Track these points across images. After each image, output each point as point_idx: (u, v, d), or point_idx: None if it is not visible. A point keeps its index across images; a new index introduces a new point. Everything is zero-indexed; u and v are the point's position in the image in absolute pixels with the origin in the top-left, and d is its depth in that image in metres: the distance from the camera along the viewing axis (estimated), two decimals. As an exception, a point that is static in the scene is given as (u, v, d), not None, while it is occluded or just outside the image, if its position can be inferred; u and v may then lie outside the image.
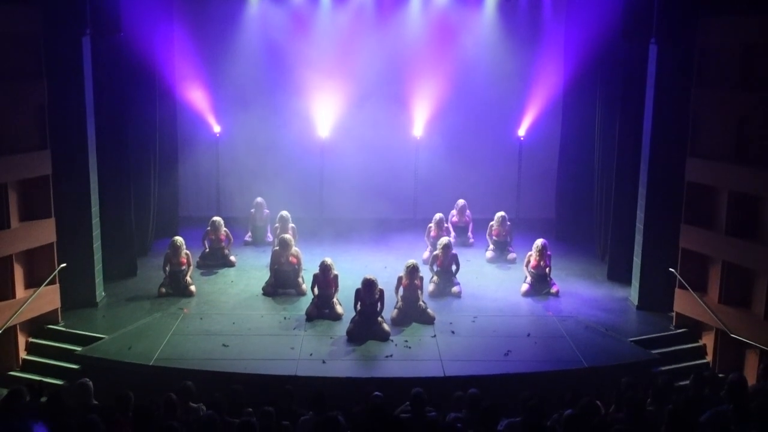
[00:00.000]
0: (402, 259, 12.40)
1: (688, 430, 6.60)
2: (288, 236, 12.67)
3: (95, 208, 11.81)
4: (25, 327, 10.96)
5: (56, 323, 11.24)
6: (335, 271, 11.67)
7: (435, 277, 12.54)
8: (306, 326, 11.22)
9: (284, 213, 14.04)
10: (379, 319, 10.93)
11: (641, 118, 12.00)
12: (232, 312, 11.73)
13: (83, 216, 11.59)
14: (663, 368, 10.41)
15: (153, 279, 12.81)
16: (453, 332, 11.07)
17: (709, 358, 11.01)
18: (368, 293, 10.90)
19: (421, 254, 13.93)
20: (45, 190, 11.10)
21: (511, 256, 14.11)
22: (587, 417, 6.90)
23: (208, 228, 13.79)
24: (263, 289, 12.44)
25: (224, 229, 13.78)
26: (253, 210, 15.08)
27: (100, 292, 12.01)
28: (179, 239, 12.64)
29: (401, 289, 11.53)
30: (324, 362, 10.11)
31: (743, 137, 10.79)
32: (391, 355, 10.38)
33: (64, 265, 11.29)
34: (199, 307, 11.91)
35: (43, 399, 7.79)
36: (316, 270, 11.70)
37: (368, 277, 10.99)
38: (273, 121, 15.91)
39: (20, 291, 10.90)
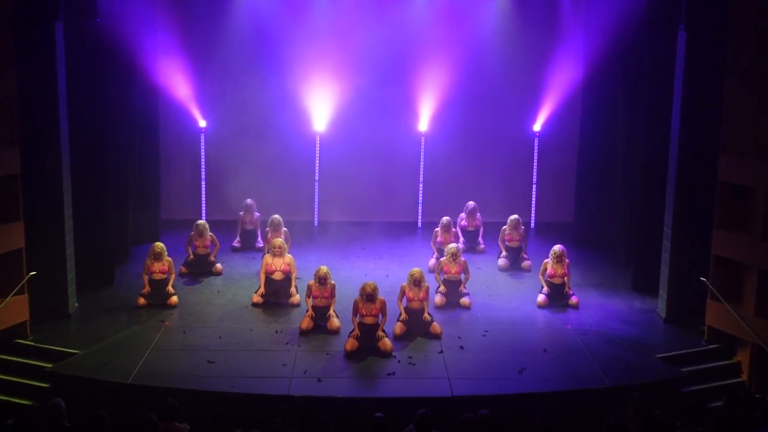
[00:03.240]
0: (405, 267, 12.38)
1: (721, 455, 6.55)
2: (280, 241, 12.66)
3: (68, 211, 11.79)
4: (-10, 341, 10.95)
5: (25, 337, 11.21)
6: (332, 281, 11.65)
7: (442, 287, 12.52)
8: (300, 341, 11.20)
9: (276, 216, 14.03)
10: (380, 333, 10.91)
11: (669, 111, 11.97)
12: (219, 325, 11.71)
13: (55, 219, 11.56)
14: (693, 388, 10.37)
15: (131, 288, 12.80)
16: (462, 347, 11.05)
17: (744, 377, 10.96)
18: (368, 304, 10.88)
19: (426, 261, 13.91)
20: (13, 191, 11.06)
21: (526, 263, 14.09)
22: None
23: (193, 232, 13.78)
24: (253, 299, 12.43)
25: (210, 233, 13.76)
26: (242, 213, 15.06)
27: (73, 303, 11.99)
28: (160, 245, 12.64)
29: (405, 300, 11.51)
30: (320, 380, 10.10)
31: (783, 132, 10.77)
32: (394, 373, 10.36)
33: (34, 273, 11.26)
34: (182, 320, 11.90)
35: (10, 421, 7.76)
36: (311, 279, 11.69)
37: (368, 285, 10.97)
38: (264, 114, 15.91)
39: (-15, 301, 10.89)
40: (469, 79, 15.69)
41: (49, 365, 10.54)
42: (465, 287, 12.59)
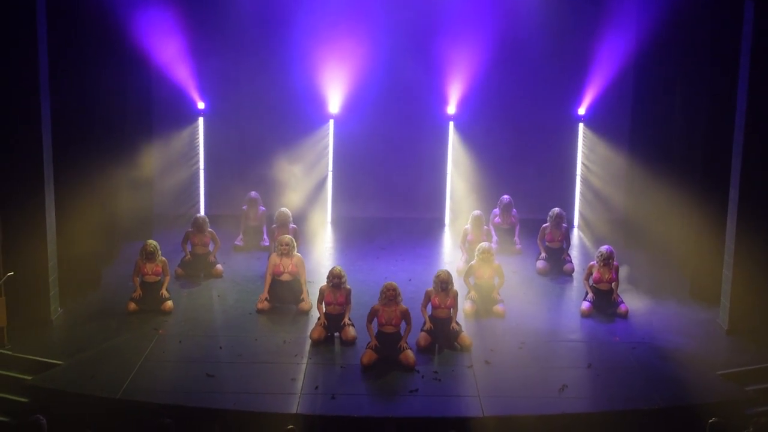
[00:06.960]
0: (431, 270, 12.41)
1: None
2: (288, 238, 12.72)
3: (50, 204, 11.88)
4: (-38, 351, 11.09)
5: (1, 346, 11.33)
6: (347, 285, 11.71)
7: (472, 293, 12.55)
8: (311, 352, 11.27)
9: (283, 210, 14.10)
10: (402, 344, 10.96)
11: (734, 92, 11.92)
12: (219, 334, 11.79)
13: (35, 213, 11.62)
14: (759, 409, 10.33)
15: (121, 292, 12.91)
16: (489, 362, 11.06)
17: (819, 397, 10.92)
18: (388, 309, 10.93)
19: (455, 264, 13.93)
20: (-13, 182, 11.21)
21: (569, 266, 14.09)
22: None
23: (190, 229, 13.88)
24: (257, 305, 12.52)
25: (209, 230, 13.85)
26: (245, 207, 15.15)
27: (55, 308, 12.10)
28: (153, 243, 12.72)
29: (430, 308, 11.55)
30: (333, 397, 10.15)
31: None
32: (417, 390, 10.39)
33: (11, 273, 11.37)
34: (178, 327, 11.98)
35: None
36: (323, 282, 11.75)
37: (389, 286, 11.00)
38: (271, 95, 15.96)
39: (-43, 306, 11.02)
40: (504, 56, 15.67)
41: (29, 378, 10.61)
42: (499, 293, 12.62)
